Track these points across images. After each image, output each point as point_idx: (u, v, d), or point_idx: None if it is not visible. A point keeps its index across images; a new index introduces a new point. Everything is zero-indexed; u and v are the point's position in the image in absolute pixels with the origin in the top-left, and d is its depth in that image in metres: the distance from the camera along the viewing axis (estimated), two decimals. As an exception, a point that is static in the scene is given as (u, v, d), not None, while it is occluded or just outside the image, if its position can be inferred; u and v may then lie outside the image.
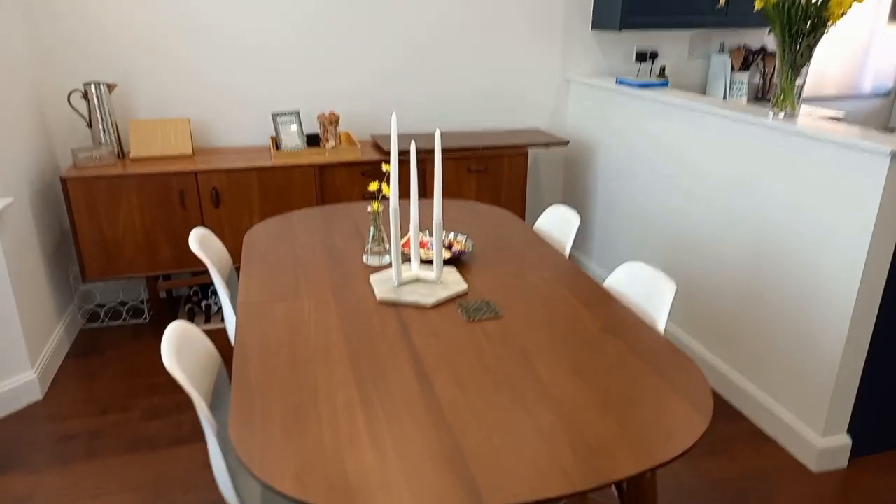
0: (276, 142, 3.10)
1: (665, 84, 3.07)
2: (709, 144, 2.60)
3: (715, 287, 2.64)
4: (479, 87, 3.53)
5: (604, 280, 3.46)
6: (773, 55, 3.70)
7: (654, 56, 3.69)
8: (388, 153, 3.09)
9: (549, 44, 3.54)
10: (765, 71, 3.75)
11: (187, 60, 3.10)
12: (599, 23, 3.47)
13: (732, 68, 3.67)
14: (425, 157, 3.12)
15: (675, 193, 2.86)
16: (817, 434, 2.19)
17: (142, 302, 3.39)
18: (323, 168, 3.02)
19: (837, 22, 2.02)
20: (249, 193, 2.94)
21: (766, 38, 3.83)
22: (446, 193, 3.22)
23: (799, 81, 2.15)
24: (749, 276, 2.44)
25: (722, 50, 3.75)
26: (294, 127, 3.11)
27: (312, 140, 3.25)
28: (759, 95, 3.82)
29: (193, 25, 3.06)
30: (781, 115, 2.22)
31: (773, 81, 3.77)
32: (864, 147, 1.90)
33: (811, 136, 2.08)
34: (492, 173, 3.26)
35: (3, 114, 2.52)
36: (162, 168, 2.83)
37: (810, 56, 2.12)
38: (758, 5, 2.17)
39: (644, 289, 1.76)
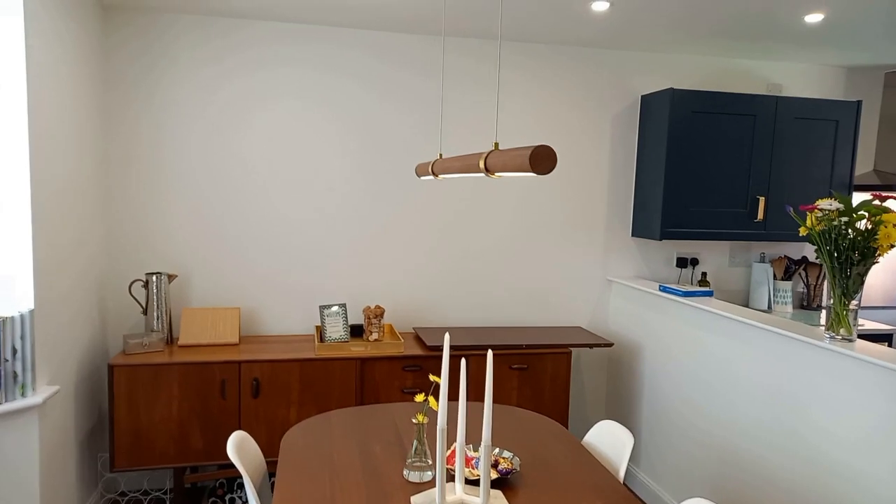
0: (321, 332, 3.14)
1: (710, 293, 3.08)
2: (758, 358, 2.53)
3: (781, 518, 2.41)
4: (522, 284, 3.61)
5: (656, 495, 3.22)
6: (815, 265, 3.73)
7: (694, 262, 3.76)
8: (430, 348, 3.09)
9: (591, 247, 3.66)
10: (807, 279, 3.76)
11: (243, 254, 3.28)
12: (639, 231, 3.59)
13: (775, 276, 3.69)
14: (468, 352, 3.10)
15: (723, 405, 2.73)
16: None
17: (164, 493, 3.24)
18: (364, 361, 3.01)
19: (886, 253, 2.04)
20: (289, 384, 2.92)
21: (807, 249, 3.89)
22: (483, 393, 3.14)
23: (853, 305, 2.13)
24: (809, 501, 2.22)
25: (762, 259, 3.81)
26: (339, 318, 3.17)
27: (356, 331, 3.28)
28: (805, 304, 3.79)
29: (251, 223, 3.27)
30: (839, 338, 2.16)
31: (821, 290, 3.75)
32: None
33: (871, 362, 2.01)
34: (533, 371, 3.20)
35: (70, 307, 2.64)
36: (207, 357, 2.86)
37: (862, 283, 2.12)
38: (802, 231, 2.23)
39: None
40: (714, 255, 3.80)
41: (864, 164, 3.91)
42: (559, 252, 3.63)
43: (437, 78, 3.38)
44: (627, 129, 3.63)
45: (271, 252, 3.31)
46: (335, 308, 3.18)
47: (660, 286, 3.24)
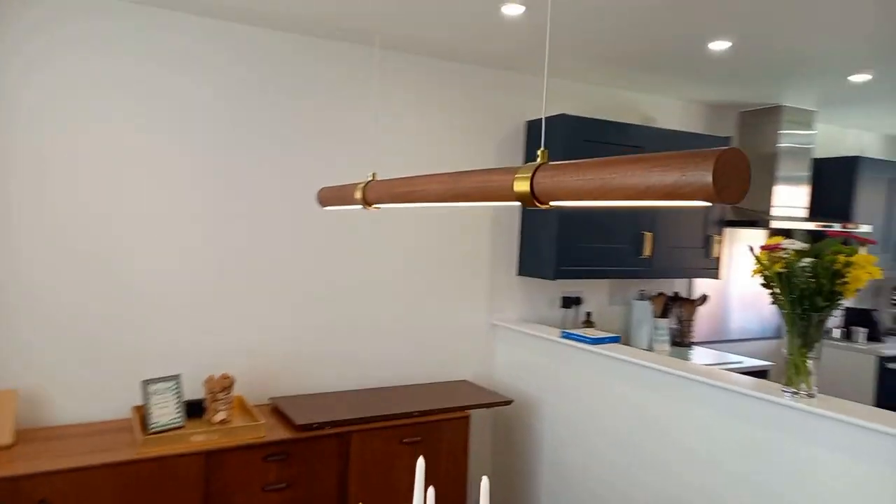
0: (144, 417, 2.28)
1: (617, 339, 2.79)
2: (696, 417, 2.26)
3: None
4: (395, 333, 3.04)
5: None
6: (689, 301, 3.69)
7: (578, 302, 3.50)
8: (299, 427, 2.38)
9: (473, 289, 3.22)
10: (682, 317, 3.71)
11: (24, 309, 2.30)
12: (527, 270, 3.25)
13: (654, 314, 3.57)
14: (353, 427, 2.46)
15: (652, 467, 2.42)
16: None
17: None
18: (210, 455, 2.22)
19: (852, 297, 1.86)
20: (99, 503, 2.03)
21: (677, 285, 3.85)
22: (374, 479, 2.51)
23: (813, 356, 1.91)
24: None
25: (642, 297, 3.68)
26: (171, 395, 2.34)
27: (194, 409, 2.46)
28: (678, 341, 3.73)
29: (35, 260, 2.32)
30: (802, 394, 1.93)
31: (692, 326, 3.71)
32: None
33: (838, 419, 1.80)
34: (428, 443, 2.64)
35: None
36: (-40, 476, 1.87)
37: (822, 331, 1.91)
38: (754, 272, 1.99)
39: None
40: (595, 295, 3.58)
41: (721, 200, 3.99)
42: (437, 294, 3.14)
43: (311, 86, 2.74)
44: (513, 155, 3.29)
45: (68, 305, 2.37)
46: (165, 383, 2.34)
47: (562, 332, 2.88)
